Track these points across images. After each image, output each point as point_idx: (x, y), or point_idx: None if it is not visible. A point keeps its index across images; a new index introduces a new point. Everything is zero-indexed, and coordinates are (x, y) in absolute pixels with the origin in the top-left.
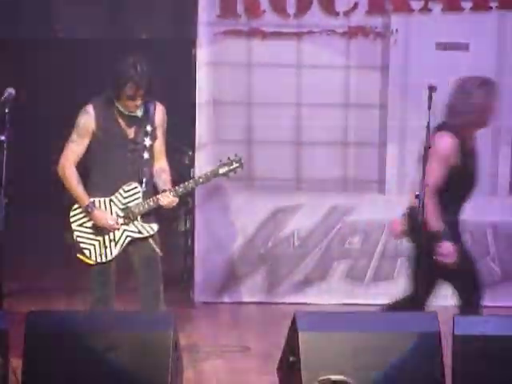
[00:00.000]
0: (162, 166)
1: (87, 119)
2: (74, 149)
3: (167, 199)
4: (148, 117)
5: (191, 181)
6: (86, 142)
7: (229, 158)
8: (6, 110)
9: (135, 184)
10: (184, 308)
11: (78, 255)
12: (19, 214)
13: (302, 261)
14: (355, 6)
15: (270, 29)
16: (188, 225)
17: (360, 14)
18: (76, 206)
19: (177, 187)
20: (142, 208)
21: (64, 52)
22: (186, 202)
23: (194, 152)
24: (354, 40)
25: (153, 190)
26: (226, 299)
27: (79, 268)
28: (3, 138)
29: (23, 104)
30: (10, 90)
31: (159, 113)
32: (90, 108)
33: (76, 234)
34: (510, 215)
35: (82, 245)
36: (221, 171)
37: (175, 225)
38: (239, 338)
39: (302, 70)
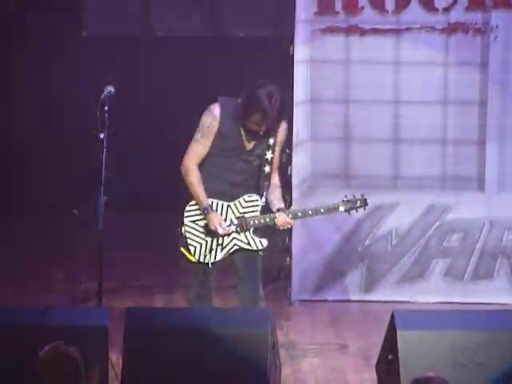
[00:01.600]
0: (275, 182)
1: (212, 122)
2: (199, 149)
3: (284, 219)
4: (271, 133)
5: (312, 209)
6: (209, 143)
7: (354, 196)
8: (106, 108)
9: (257, 197)
10: (281, 306)
11: (182, 249)
12: (118, 212)
13: (400, 259)
14: (455, 2)
15: (369, 26)
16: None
17: (459, 10)
18: (193, 201)
19: (296, 209)
20: (256, 222)
21: (165, 50)
22: (284, 201)
23: (291, 150)
24: (453, 36)
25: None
26: (324, 297)
27: (178, 265)
28: (103, 136)
29: (124, 102)
30: (110, 88)
31: (282, 131)
32: (216, 110)
33: (186, 228)
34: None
35: (189, 240)
36: (342, 208)
37: None
38: (337, 336)
39: (400, 67)
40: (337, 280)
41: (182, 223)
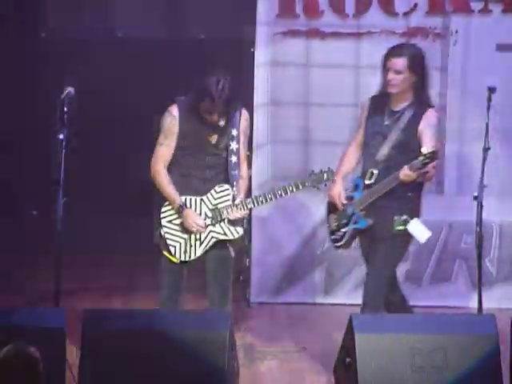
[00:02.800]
0: (240, 173)
1: (172, 121)
2: (163, 151)
3: (236, 214)
4: (232, 124)
5: (281, 188)
6: (173, 142)
7: (321, 170)
8: (65, 109)
9: (227, 186)
10: (240, 308)
11: (164, 253)
12: (76, 213)
13: (359, 262)
14: (415, 6)
15: (329, 29)
16: (245, 225)
17: (419, 14)
18: (167, 202)
19: (256, 196)
20: (230, 211)
21: (125, 51)
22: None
23: (251, 153)
24: (413, 41)
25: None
26: (283, 300)
27: (137, 267)
28: (62, 136)
29: (86, 104)
30: (70, 89)
31: (244, 120)
32: (174, 110)
33: (164, 230)
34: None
35: (168, 241)
36: (309, 182)
37: None
38: (295, 339)
39: (360, 71)
40: (296, 283)
41: (160, 225)
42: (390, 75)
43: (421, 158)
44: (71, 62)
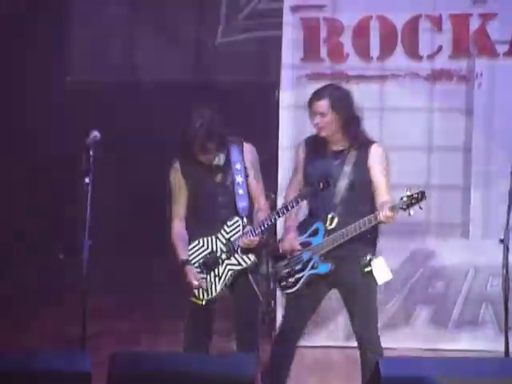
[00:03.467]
0: (258, 206)
1: (176, 174)
2: (175, 208)
3: (245, 241)
4: (234, 158)
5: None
6: (184, 195)
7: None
8: (91, 153)
9: (237, 218)
10: (266, 351)
11: (192, 298)
12: (102, 254)
13: (385, 305)
14: (439, 49)
15: (354, 72)
16: (270, 267)
17: (444, 57)
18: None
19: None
20: (241, 240)
21: (150, 96)
22: (268, 244)
23: (276, 195)
24: (437, 83)
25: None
26: (308, 343)
27: (162, 309)
28: (88, 180)
29: (109, 146)
30: (96, 133)
31: (248, 152)
32: (176, 163)
33: None
34: None
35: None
36: (307, 196)
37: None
38: (320, 383)
39: (385, 113)
40: (321, 325)
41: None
42: (317, 119)
43: (405, 199)
44: (96, 106)
